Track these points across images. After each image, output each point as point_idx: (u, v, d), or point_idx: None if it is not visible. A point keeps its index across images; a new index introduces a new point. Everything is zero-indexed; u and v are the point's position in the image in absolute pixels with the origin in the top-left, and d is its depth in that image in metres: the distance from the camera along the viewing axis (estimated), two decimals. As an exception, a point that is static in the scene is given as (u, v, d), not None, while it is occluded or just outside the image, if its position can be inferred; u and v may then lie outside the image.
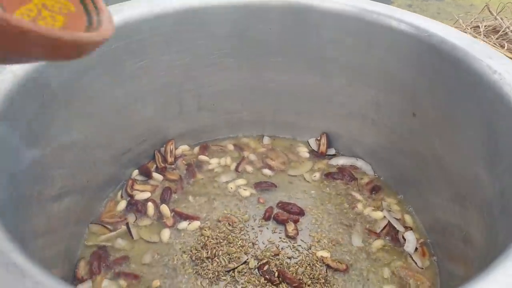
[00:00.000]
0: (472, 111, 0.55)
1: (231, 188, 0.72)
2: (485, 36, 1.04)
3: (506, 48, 1.00)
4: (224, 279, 0.60)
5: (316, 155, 0.78)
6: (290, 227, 0.66)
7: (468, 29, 1.07)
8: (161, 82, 0.72)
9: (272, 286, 0.59)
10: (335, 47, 0.70)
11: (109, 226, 0.66)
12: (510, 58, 0.83)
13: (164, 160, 0.76)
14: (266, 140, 0.81)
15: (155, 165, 0.75)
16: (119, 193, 0.71)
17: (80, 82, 0.60)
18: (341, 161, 0.77)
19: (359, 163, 0.77)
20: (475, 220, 0.55)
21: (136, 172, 0.74)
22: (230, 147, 0.80)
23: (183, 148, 0.79)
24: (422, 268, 0.62)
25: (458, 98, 0.58)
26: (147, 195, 0.70)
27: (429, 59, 0.61)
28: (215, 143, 0.80)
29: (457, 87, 0.58)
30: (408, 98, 0.66)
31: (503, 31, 1.05)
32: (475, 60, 0.55)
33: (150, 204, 0.68)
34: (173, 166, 0.76)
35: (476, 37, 1.01)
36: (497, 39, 1.03)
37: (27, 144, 0.52)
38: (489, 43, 1.01)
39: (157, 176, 0.73)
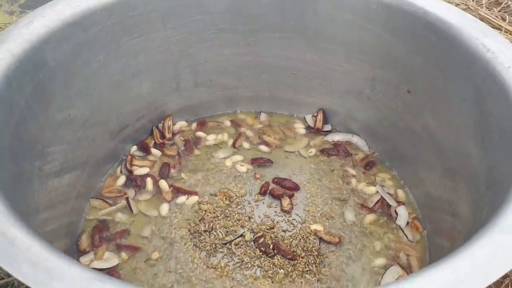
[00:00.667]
0: (465, 89, 0.56)
1: (228, 164, 0.73)
2: (487, 8, 1.03)
3: (507, 21, 0.99)
4: (221, 251, 0.62)
5: (312, 131, 0.79)
6: (285, 202, 0.67)
7: (470, 1, 1.06)
8: (157, 58, 0.72)
9: (267, 257, 0.61)
10: (332, 23, 0.70)
11: (109, 201, 0.68)
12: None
13: (162, 136, 0.77)
14: (263, 116, 0.82)
15: (153, 141, 0.76)
16: (119, 169, 0.72)
17: (77, 60, 0.60)
18: (336, 137, 0.78)
19: (355, 139, 0.78)
20: (463, 195, 0.56)
21: (134, 148, 0.75)
22: (227, 123, 0.81)
23: (181, 124, 0.80)
24: (413, 242, 0.64)
25: (452, 75, 0.58)
26: (145, 170, 0.72)
27: (424, 37, 0.61)
28: (212, 119, 0.81)
29: (451, 65, 0.58)
30: (403, 75, 0.67)
31: (505, 4, 1.03)
32: (470, 38, 0.55)
33: (149, 179, 0.70)
34: (171, 142, 0.77)
35: (478, 9, 1.00)
36: (499, 11, 1.02)
37: (26, 121, 0.53)
38: (490, 16, 1.00)
39: (155, 151, 0.74)
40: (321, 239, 0.63)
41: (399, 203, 0.69)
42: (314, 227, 0.64)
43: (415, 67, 0.64)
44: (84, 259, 0.61)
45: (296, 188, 0.70)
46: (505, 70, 0.50)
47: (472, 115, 0.55)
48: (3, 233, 0.36)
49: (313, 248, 0.62)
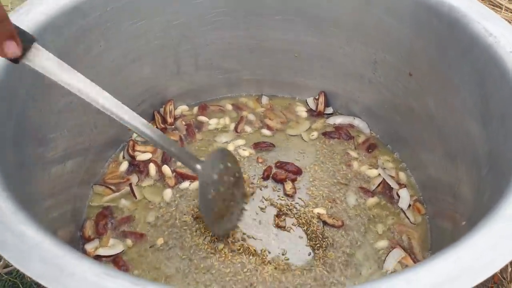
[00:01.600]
0: (466, 73, 0.56)
1: (231, 148, 0.73)
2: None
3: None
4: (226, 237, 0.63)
5: (314, 114, 0.79)
6: (288, 186, 0.68)
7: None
8: (158, 42, 0.71)
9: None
10: (334, 6, 0.70)
11: (112, 187, 0.68)
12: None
13: (164, 120, 0.77)
14: (264, 99, 0.82)
15: (155, 126, 0.76)
16: (121, 155, 0.73)
17: (77, 47, 0.60)
18: (338, 120, 0.79)
19: (356, 122, 0.78)
20: (465, 177, 0.57)
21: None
22: (229, 107, 0.80)
23: (182, 108, 0.80)
24: (414, 224, 0.65)
25: (453, 59, 0.58)
26: (148, 156, 0.72)
27: (426, 20, 0.61)
28: (213, 103, 0.81)
29: (452, 48, 0.58)
30: (405, 58, 0.67)
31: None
32: (472, 22, 0.55)
33: (151, 165, 0.70)
34: (172, 126, 0.77)
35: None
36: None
37: (28, 110, 0.53)
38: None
39: (157, 137, 0.74)
40: (324, 222, 0.64)
41: (401, 185, 0.69)
42: (317, 210, 0.65)
43: (417, 50, 0.64)
44: (89, 246, 0.62)
45: (298, 172, 0.70)
46: (506, 55, 0.50)
47: (473, 98, 0.55)
48: (11, 230, 0.37)
49: (317, 231, 0.63)
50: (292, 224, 0.64)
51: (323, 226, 0.64)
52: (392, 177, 0.70)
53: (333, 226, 0.64)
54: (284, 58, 0.79)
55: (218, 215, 0.59)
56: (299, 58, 0.78)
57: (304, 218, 0.65)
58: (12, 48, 0.41)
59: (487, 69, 0.52)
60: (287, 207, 0.66)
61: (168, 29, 0.71)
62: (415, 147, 0.71)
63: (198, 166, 0.55)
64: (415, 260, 0.61)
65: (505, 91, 0.49)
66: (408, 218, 0.65)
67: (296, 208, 0.66)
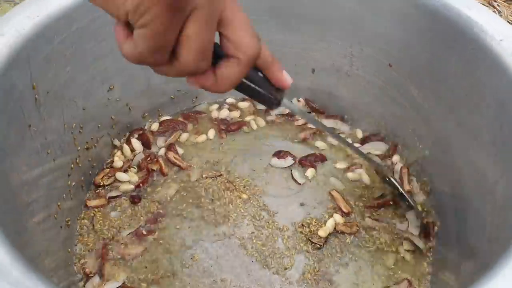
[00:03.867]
0: (453, 62, 0.57)
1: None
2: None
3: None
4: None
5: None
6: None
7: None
8: (124, 60, 0.66)
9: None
10: (305, 2, 0.68)
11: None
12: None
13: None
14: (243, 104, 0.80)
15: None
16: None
17: (45, 77, 0.54)
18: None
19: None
20: (461, 167, 0.58)
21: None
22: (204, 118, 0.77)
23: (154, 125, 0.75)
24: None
25: (436, 49, 0.59)
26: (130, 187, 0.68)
27: (403, 10, 0.61)
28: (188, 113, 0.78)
29: (434, 39, 0.59)
30: (383, 49, 0.67)
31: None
32: (454, 11, 0.56)
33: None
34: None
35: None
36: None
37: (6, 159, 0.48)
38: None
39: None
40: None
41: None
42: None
43: (396, 41, 0.64)
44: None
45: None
46: (495, 43, 0.51)
47: (463, 88, 0.56)
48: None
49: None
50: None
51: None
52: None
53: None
54: (256, 59, 0.76)
55: None
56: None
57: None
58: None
59: (476, 59, 0.53)
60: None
61: (135, 43, 0.66)
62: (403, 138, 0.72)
63: None
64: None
65: (499, 79, 0.50)
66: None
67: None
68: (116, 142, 0.71)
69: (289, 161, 0.71)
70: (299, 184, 0.69)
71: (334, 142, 0.73)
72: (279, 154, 0.72)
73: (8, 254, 0.38)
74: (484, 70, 0.52)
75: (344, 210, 0.65)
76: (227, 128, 0.75)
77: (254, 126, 0.76)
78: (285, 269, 0.60)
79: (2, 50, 0.48)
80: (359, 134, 0.76)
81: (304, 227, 0.63)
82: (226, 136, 0.75)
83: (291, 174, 0.70)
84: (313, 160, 0.71)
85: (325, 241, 0.62)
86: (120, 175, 0.68)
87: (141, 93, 0.72)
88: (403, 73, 0.66)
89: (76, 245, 0.61)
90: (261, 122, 0.77)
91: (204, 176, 0.69)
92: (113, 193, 0.66)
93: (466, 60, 0.55)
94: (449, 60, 0.57)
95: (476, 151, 0.55)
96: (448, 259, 0.58)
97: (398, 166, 0.70)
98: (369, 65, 0.70)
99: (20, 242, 0.47)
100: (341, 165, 0.71)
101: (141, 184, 0.67)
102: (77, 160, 0.64)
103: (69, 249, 0.60)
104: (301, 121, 0.77)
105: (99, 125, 0.68)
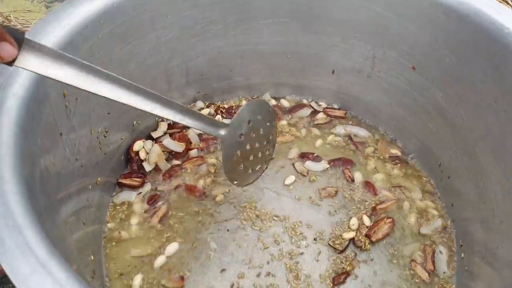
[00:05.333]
0: (482, 68, 0.57)
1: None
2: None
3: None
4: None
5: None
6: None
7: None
8: (148, 62, 0.66)
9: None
10: (328, 4, 0.68)
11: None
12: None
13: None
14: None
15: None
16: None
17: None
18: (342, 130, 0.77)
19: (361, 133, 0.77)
20: (489, 171, 0.59)
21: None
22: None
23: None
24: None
25: (464, 55, 0.59)
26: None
27: (431, 15, 0.61)
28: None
29: (463, 44, 0.58)
30: (407, 53, 0.67)
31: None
32: (483, 16, 0.55)
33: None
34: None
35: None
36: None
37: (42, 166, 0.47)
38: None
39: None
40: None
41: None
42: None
43: (421, 45, 0.64)
44: None
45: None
46: (528, 51, 0.51)
47: (492, 94, 0.56)
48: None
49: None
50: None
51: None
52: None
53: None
54: (276, 60, 0.76)
55: (242, 171, 0.59)
56: (291, 58, 0.76)
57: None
58: (8, 50, 0.35)
59: (506, 64, 0.53)
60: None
61: (159, 46, 0.66)
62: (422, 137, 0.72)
63: (222, 132, 0.53)
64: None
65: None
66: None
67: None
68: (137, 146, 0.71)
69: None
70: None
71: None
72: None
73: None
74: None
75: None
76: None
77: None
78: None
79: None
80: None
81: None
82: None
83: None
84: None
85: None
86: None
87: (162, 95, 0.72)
88: (428, 76, 0.66)
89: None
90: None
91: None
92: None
93: (495, 65, 0.55)
94: (477, 65, 0.57)
95: (505, 156, 0.55)
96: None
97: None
98: (392, 68, 0.70)
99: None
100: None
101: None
102: (101, 164, 0.64)
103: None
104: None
105: (122, 129, 0.68)
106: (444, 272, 0.62)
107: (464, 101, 0.61)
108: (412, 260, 0.63)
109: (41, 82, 0.46)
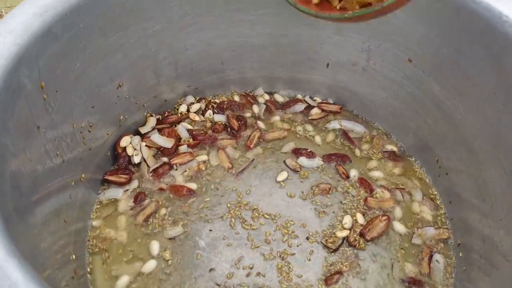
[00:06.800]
0: (480, 58, 0.54)
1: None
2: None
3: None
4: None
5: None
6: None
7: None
8: (135, 54, 0.64)
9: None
10: (321, -6, 0.65)
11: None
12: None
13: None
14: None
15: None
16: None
17: (53, 74, 0.51)
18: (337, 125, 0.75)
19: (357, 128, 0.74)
20: (488, 166, 0.56)
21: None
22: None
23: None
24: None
25: (461, 45, 0.56)
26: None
27: (427, 4, 0.58)
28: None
29: (460, 33, 0.56)
30: (403, 44, 0.64)
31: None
32: (481, 4, 0.53)
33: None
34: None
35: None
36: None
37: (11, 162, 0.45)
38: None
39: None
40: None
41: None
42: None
43: (417, 36, 0.62)
44: None
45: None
46: (527, 37, 0.49)
47: (491, 85, 0.54)
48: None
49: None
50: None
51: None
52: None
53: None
54: (267, 53, 0.74)
55: None
56: (284, 51, 0.74)
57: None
58: None
59: (506, 55, 0.51)
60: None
61: (145, 38, 0.64)
62: (419, 133, 0.69)
63: None
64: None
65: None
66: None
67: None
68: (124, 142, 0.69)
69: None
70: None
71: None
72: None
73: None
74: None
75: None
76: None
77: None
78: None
79: (9, 48, 0.45)
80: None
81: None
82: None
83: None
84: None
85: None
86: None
87: (149, 89, 0.70)
88: (424, 68, 0.63)
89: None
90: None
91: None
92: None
93: (494, 56, 0.52)
94: (475, 55, 0.55)
95: (505, 150, 0.52)
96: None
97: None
98: (387, 60, 0.68)
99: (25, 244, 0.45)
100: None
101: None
102: (86, 159, 0.61)
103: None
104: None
105: (108, 124, 0.65)
106: (440, 274, 0.59)
107: (462, 94, 0.59)
108: (408, 262, 0.60)
109: (14, 72, 0.44)
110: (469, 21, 0.54)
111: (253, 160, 0.69)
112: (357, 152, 0.71)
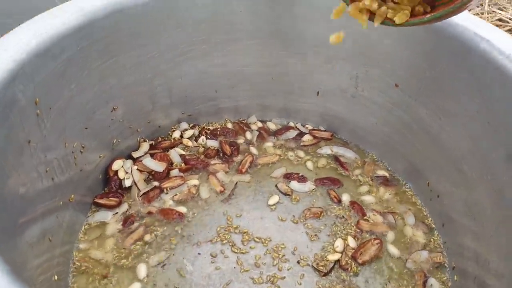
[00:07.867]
0: (464, 80, 0.56)
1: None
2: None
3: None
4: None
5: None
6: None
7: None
8: (130, 80, 0.66)
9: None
10: (310, 25, 0.68)
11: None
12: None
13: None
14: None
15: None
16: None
17: (48, 93, 0.53)
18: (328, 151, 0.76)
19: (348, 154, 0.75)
20: (476, 185, 0.56)
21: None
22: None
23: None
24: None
25: (445, 68, 0.58)
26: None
27: (409, 30, 0.60)
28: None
29: (442, 57, 0.58)
30: (390, 70, 0.66)
31: None
32: (461, 28, 0.55)
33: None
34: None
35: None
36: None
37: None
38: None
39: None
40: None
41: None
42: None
43: (402, 61, 0.64)
44: None
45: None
46: (504, 57, 0.51)
47: (475, 105, 0.55)
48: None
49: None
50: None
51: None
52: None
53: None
54: (260, 81, 0.76)
55: None
56: (276, 80, 0.76)
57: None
58: None
59: (487, 75, 0.52)
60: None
61: (140, 64, 0.66)
62: (408, 156, 0.70)
63: None
64: None
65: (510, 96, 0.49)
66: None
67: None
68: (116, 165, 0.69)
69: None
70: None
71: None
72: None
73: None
74: (498, 85, 0.51)
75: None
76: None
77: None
78: None
79: (6, 63, 0.47)
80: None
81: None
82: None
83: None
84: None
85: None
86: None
87: (144, 115, 0.71)
88: (410, 93, 0.65)
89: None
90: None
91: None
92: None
93: (477, 76, 0.54)
94: (459, 77, 0.56)
95: (492, 168, 0.53)
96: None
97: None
98: (375, 86, 0.69)
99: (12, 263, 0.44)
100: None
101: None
102: (77, 181, 0.62)
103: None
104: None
105: (101, 147, 0.66)
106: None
107: (448, 115, 0.60)
108: (402, 286, 0.59)
109: (9, 85, 0.46)
110: (449, 44, 0.56)
111: (236, 183, 0.69)
112: (349, 177, 0.71)
